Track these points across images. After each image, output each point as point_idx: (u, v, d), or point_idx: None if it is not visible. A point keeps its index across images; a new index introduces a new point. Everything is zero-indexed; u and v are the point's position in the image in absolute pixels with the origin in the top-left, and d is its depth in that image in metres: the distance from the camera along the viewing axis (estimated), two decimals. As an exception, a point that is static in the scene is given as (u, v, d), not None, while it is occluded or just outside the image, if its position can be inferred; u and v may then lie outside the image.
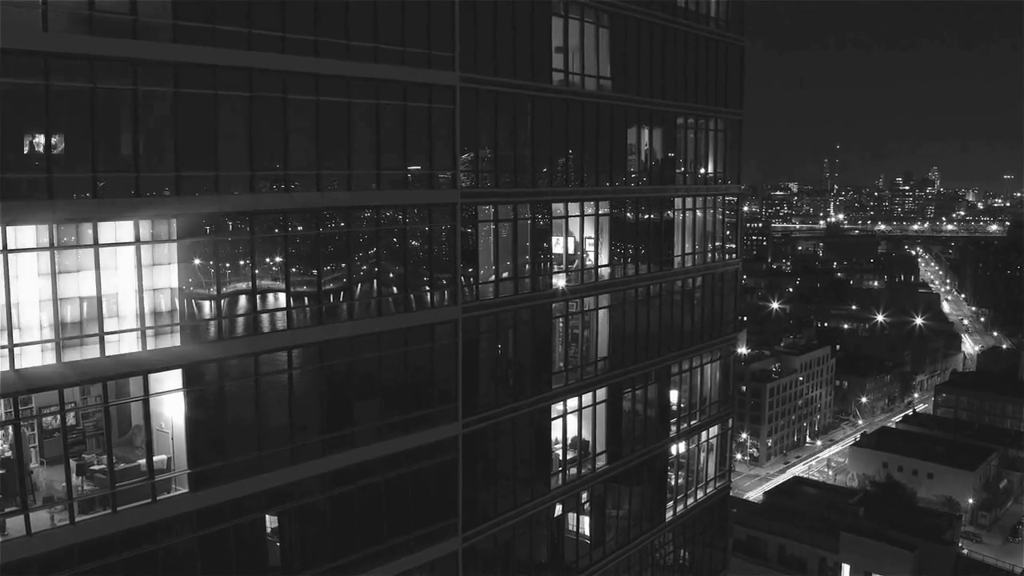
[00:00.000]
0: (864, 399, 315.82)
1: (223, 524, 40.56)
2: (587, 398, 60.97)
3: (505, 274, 54.11)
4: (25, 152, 34.25)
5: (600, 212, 61.01)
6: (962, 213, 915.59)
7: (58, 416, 36.21)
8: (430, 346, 49.40)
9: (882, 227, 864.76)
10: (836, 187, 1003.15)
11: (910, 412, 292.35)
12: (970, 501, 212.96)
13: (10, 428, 35.46)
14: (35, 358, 34.54)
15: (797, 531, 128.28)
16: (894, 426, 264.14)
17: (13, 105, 33.47)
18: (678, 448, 71.54)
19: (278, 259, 42.44)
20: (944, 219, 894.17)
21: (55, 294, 34.69)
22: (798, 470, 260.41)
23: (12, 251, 33.58)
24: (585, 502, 62.06)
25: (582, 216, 59.60)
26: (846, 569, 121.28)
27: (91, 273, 35.69)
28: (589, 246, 60.68)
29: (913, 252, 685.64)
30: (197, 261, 39.16)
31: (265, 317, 41.76)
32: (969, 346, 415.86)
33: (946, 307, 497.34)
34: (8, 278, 33.28)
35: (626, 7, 61.26)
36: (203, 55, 38.20)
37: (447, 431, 50.31)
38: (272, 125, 41.39)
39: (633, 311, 64.47)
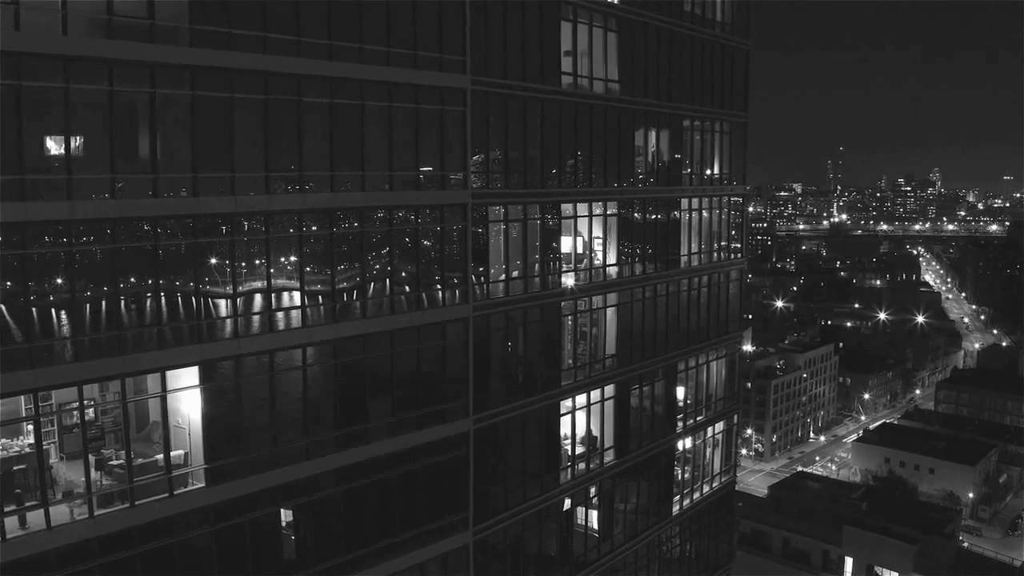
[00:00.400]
0: (867, 395, 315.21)
1: (239, 518, 40.53)
2: (595, 394, 60.93)
3: (515, 273, 54.01)
4: (45, 154, 34.21)
5: (608, 212, 60.89)
6: (962, 213, 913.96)
7: (77, 412, 36.16)
8: (442, 344, 49.33)
9: (884, 227, 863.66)
10: (839, 188, 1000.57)
11: (912, 408, 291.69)
12: (970, 495, 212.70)
13: (31, 424, 35.46)
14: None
15: (801, 525, 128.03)
16: (896, 422, 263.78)
17: (33, 108, 33.49)
18: (684, 443, 71.44)
19: (293, 258, 42.38)
20: (945, 219, 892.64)
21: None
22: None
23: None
24: (593, 496, 61.94)
25: (590, 216, 59.55)
26: (849, 562, 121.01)
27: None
28: (597, 246, 60.60)
29: (915, 252, 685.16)
30: (213, 260, 39.15)
31: (280, 315, 41.71)
32: (969, 343, 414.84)
33: (947, 305, 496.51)
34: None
35: (634, 12, 61.15)
36: (219, 59, 38.18)
37: (458, 427, 50.25)
38: (287, 127, 41.35)
39: (640, 309, 64.34)
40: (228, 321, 39.68)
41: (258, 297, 40.84)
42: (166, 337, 37.56)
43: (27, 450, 36.43)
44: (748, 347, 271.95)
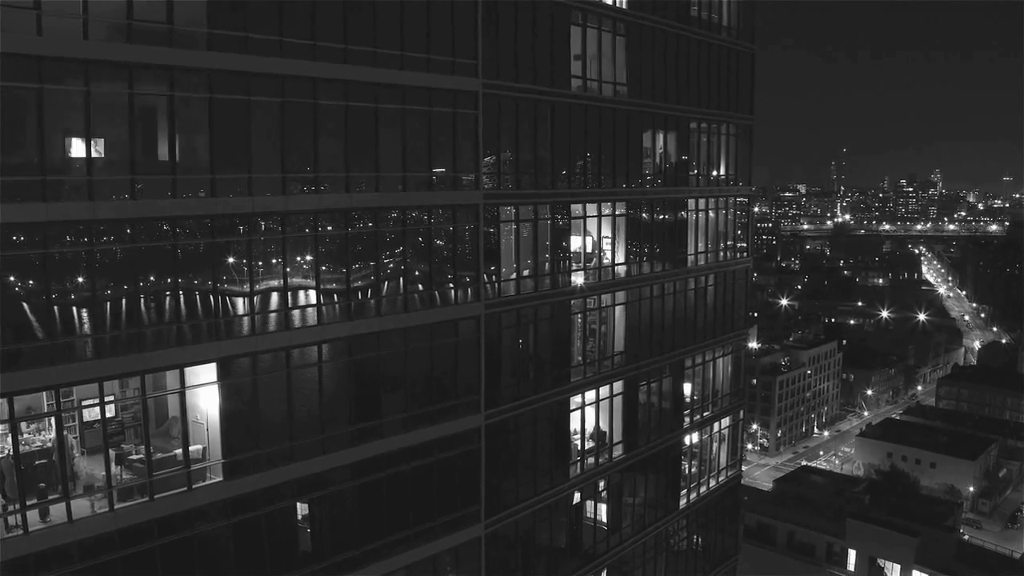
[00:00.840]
0: (869, 391, 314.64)
1: (256, 511, 40.53)
2: (604, 391, 60.86)
3: (526, 272, 53.92)
4: (66, 155, 34.18)
5: (617, 212, 60.84)
6: (963, 214, 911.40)
7: (98, 408, 36.13)
8: (454, 341, 49.24)
9: (887, 227, 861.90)
10: (843, 189, 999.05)
11: (913, 404, 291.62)
12: (971, 489, 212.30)
13: (52, 419, 35.45)
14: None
15: (806, 518, 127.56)
16: (898, 417, 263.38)
17: (55, 110, 33.48)
18: (691, 438, 71.33)
19: (308, 257, 42.34)
20: (946, 219, 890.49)
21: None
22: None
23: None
24: (602, 490, 61.90)
25: (599, 216, 59.44)
26: (852, 554, 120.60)
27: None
28: (606, 245, 60.51)
29: (916, 251, 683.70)
30: (231, 259, 39.11)
31: (296, 313, 41.66)
32: (970, 341, 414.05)
33: (948, 304, 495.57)
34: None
35: (641, 17, 61.06)
36: (237, 62, 38.15)
37: (470, 422, 50.17)
38: (303, 129, 41.26)
39: (648, 307, 64.24)
40: (245, 319, 39.65)
41: (274, 295, 40.79)
42: (185, 334, 37.55)
43: (49, 445, 36.52)
44: (754, 344, 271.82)
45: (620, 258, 61.63)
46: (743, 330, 78.10)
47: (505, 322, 52.33)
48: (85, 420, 38.83)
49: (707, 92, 69.47)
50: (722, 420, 75.08)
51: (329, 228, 42.90)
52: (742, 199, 75.93)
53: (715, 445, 74.83)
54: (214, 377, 38.93)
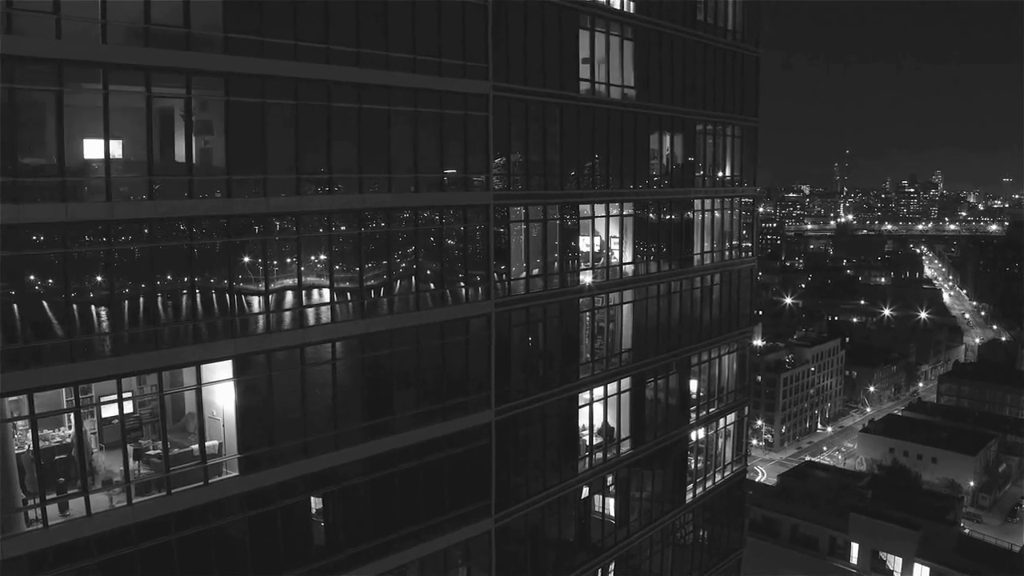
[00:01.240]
0: (872, 388, 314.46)
1: (271, 506, 40.45)
2: (612, 387, 60.74)
3: (535, 271, 53.83)
4: (85, 157, 34.16)
5: (624, 213, 60.70)
6: (964, 214, 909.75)
7: (116, 404, 36.07)
8: (465, 338, 49.15)
9: (889, 227, 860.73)
10: (846, 189, 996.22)
11: (915, 400, 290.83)
12: (971, 484, 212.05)
13: (71, 415, 35.45)
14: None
15: (809, 512, 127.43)
16: (900, 413, 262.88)
17: (74, 112, 33.45)
18: (697, 434, 71.21)
19: (322, 257, 42.28)
20: (947, 219, 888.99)
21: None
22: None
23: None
24: (610, 485, 61.80)
25: (607, 216, 59.34)
26: (855, 548, 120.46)
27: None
28: (614, 245, 60.39)
29: (918, 250, 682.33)
30: (246, 259, 39.07)
31: (310, 311, 41.60)
32: (970, 338, 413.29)
33: (949, 302, 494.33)
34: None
35: (649, 21, 60.95)
36: (252, 65, 38.09)
37: (481, 418, 50.10)
38: (317, 131, 41.18)
39: (655, 306, 64.15)
40: (260, 317, 39.60)
41: (289, 294, 40.73)
42: (201, 332, 37.51)
43: (68, 440, 36.49)
44: (758, 342, 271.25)
45: (628, 257, 61.49)
46: (748, 328, 77.93)
47: (515, 320, 52.23)
48: (104, 416, 38.90)
49: (713, 95, 69.35)
50: (727, 416, 74.93)
51: (343, 228, 42.81)
52: (747, 200, 75.76)
53: (721, 441, 74.70)
54: (230, 374, 38.86)
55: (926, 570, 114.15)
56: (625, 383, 61.91)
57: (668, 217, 65.70)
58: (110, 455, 38.09)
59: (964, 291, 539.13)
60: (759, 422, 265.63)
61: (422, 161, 46.11)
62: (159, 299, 36.20)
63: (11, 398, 33.13)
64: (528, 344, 54.34)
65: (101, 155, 34.08)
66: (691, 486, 70.78)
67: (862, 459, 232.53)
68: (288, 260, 40.77)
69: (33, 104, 32.77)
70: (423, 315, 46.47)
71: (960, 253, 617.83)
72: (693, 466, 71.20)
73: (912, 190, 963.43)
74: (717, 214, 71.39)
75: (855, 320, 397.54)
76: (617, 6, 58.83)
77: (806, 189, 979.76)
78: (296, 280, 40.97)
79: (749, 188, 75.61)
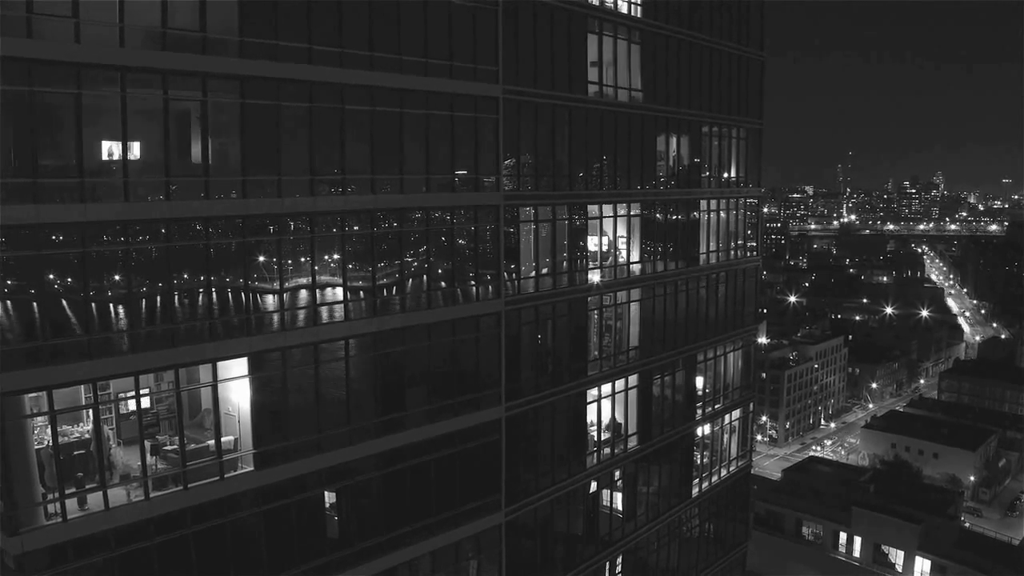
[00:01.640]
0: (874, 385, 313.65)
1: (285, 500, 40.44)
2: (620, 384, 60.64)
3: (544, 270, 53.77)
4: (103, 158, 34.09)
5: (632, 213, 60.60)
6: (964, 214, 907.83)
7: (134, 400, 36.02)
8: (475, 336, 49.06)
9: (891, 227, 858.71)
10: (848, 190, 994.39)
11: (916, 397, 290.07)
12: (971, 478, 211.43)
13: (90, 411, 35.39)
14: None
15: (813, 506, 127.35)
16: (902, 410, 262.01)
17: (92, 115, 33.39)
18: (703, 430, 71.10)
19: (336, 256, 42.20)
20: (948, 219, 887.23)
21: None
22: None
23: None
24: (618, 479, 61.69)
25: (615, 216, 59.25)
26: (858, 541, 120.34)
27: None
28: (622, 244, 60.30)
29: (919, 250, 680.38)
30: (261, 258, 39.01)
31: (324, 309, 41.53)
32: (971, 336, 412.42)
33: (949, 300, 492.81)
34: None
35: (656, 25, 60.79)
36: (267, 69, 38.01)
37: (491, 414, 50.01)
38: (330, 133, 41.10)
39: (662, 304, 64.01)
40: (275, 315, 39.56)
41: (303, 292, 40.68)
42: (217, 330, 37.44)
43: (86, 436, 36.44)
44: (763, 339, 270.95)
45: (635, 257, 61.37)
46: (753, 326, 77.75)
47: (525, 318, 52.12)
48: (122, 412, 38.88)
49: (718, 97, 69.18)
50: (733, 412, 74.81)
51: (356, 228, 42.73)
52: (752, 200, 75.58)
53: (726, 436, 74.56)
54: (245, 371, 38.79)
55: (927, 563, 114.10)
56: (632, 380, 61.81)
57: (675, 217, 65.56)
58: (128, 450, 37.98)
59: (964, 290, 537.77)
60: (764, 418, 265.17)
61: (433, 162, 46.03)
62: (176, 297, 36.15)
63: (31, 394, 33.07)
64: (537, 342, 54.21)
65: (119, 156, 34.04)
66: (697, 481, 70.66)
67: (864, 454, 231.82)
68: (302, 259, 40.70)
69: (52, 106, 32.69)
70: (435, 313, 46.38)
71: (960, 253, 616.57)
72: (699, 461, 71.08)
73: (913, 191, 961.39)
74: (723, 214, 71.23)
75: (858, 318, 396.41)
76: (625, 11, 58.71)
77: (809, 190, 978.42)
78: (310, 279, 40.92)
79: (754, 189, 75.43)
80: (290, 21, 39.00)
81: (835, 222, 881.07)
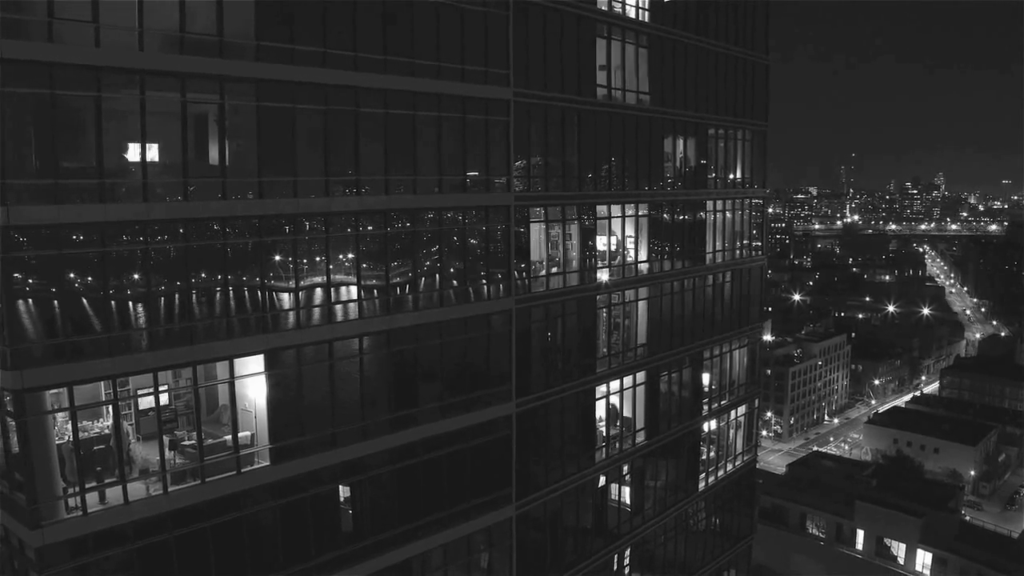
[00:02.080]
0: (876, 381, 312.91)
1: (301, 494, 40.38)
2: (628, 380, 60.50)
3: (554, 269, 53.69)
4: (123, 159, 34.06)
5: (639, 213, 60.42)
6: (965, 214, 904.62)
7: (153, 397, 36.04)
8: (487, 334, 48.95)
9: (893, 227, 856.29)
10: (851, 191, 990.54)
11: (918, 393, 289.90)
12: (972, 473, 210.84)
13: (110, 407, 35.36)
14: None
15: (817, 500, 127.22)
16: (903, 406, 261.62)
17: (112, 117, 33.35)
18: (710, 425, 70.92)
19: (350, 255, 42.13)
20: (948, 220, 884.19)
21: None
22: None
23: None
24: (626, 474, 61.54)
25: (623, 217, 59.05)
26: (860, 534, 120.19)
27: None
28: (630, 244, 60.12)
29: (920, 249, 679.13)
30: (277, 257, 38.95)
31: (339, 308, 41.44)
32: (971, 334, 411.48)
33: (950, 299, 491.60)
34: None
35: (663, 29, 60.65)
36: (283, 72, 37.94)
37: (502, 410, 49.89)
38: (345, 135, 41.00)
39: (669, 302, 63.86)
40: (291, 313, 39.48)
41: (318, 291, 40.62)
42: (234, 328, 37.36)
43: (106, 432, 36.42)
44: (768, 337, 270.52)
45: (643, 256, 61.17)
46: (758, 324, 77.51)
47: (535, 316, 52.01)
48: (141, 408, 38.94)
49: (724, 100, 68.98)
50: (738, 408, 74.62)
51: (369, 228, 42.64)
52: (757, 201, 75.37)
53: (732, 431, 74.39)
54: (262, 368, 38.72)
55: (929, 555, 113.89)
56: (640, 376, 61.68)
57: (681, 217, 65.38)
58: (147, 445, 38.04)
59: (965, 288, 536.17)
60: (768, 414, 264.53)
61: (446, 164, 45.92)
62: (193, 296, 36.09)
63: (52, 391, 33.04)
64: (547, 339, 54.10)
65: (138, 158, 34.03)
66: (703, 475, 70.51)
67: (867, 449, 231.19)
68: (317, 259, 40.66)
69: (73, 109, 32.66)
70: (447, 311, 46.27)
71: (961, 252, 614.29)
72: (705, 456, 70.92)
73: (915, 191, 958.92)
74: (728, 215, 71.05)
75: (860, 316, 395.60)
76: (633, 15, 58.55)
77: (813, 191, 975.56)
78: (325, 278, 40.86)
79: (759, 190, 75.23)
80: (305, 25, 38.93)
81: (838, 222, 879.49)
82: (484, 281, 48.71)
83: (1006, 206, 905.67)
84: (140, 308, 34.69)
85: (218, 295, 36.99)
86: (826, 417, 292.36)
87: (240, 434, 38.60)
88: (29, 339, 31.95)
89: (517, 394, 50.82)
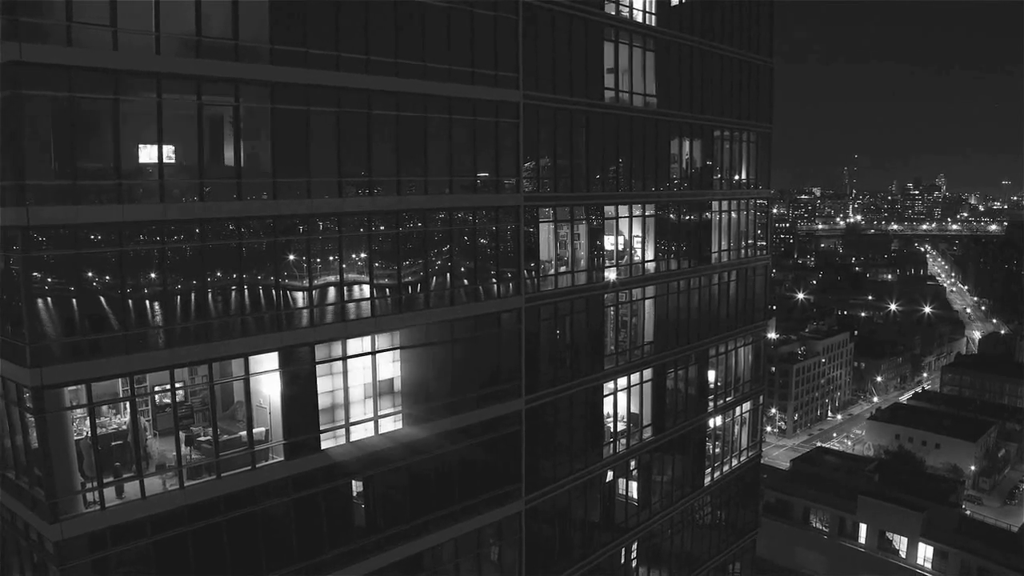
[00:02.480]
0: (879, 378, 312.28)
1: (314, 488, 40.31)
2: (635, 377, 60.42)
3: (563, 268, 53.53)
4: (140, 161, 34.01)
5: (646, 214, 60.30)
6: (965, 215, 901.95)
7: (169, 393, 36.01)
8: (497, 331, 48.87)
9: (895, 227, 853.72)
10: (854, 191, 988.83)
11: (919, 390, 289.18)
12: (972, 468, 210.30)
13: (127, 404, 35.31)
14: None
15: (820, 494, 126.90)
16: (905, 402, 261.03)
17: (130, 119, 33.34)
18: (715, 421, 70.83)
19: (363, 255, 42.06)
20: (949, 220, 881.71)
21: (166, 286, 34.61)
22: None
23: (129, 248, 33.38)
24: (633, 469, 61.49)
25: (631, 217, 58.99)
26: (863, 528, 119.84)
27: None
28: (637, 243, 60.04)
29: (922, 249, 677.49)
30: (291, 257, 38.89)
31: (351, 306, 41.37)
32: (971, 332, 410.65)
33: (951, 297, 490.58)
34: (125, 272, 33.09)
35: (669, 33, 60.51)
36: (297, 75, 37.88)
37: (512, 406, 49.80)
38: (357, 137, 40.91)
39: (675, 301, 63.73)
40: (304, 311, 39.38)
41: (331, 290, 40.54)
42: (249, 326, 37.30)
43: (124, 427, 36.36)
44: (772, 335, 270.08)
45: (649, 255, 61.02)
46: (762, 322, 77.34)
47: (544, 314, 51.92)
48: (157, 404, 38.83)
49: (729, 103, 68.83)
50: (743, 404, 74.48)
51: (382, 228, 42.54)
52: (762, 201, 75.19)
53: (737, 428, 74.27)
54: (276, 365, 38.68)
55: (930, 549, 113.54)
56: (647, 373, 61.60)
57: (687, 218, 65.29)
58: (163, 441, 37.95)
59: (965, 287, 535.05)
60: (773, 410, 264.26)
61: (456, 165, 45.81)
62: (209, 295, 36.04)
63: (70, 387, 33.01)
64: (556, 337, 53.99)
65: (155, 159, 33.97)
66: (709, 470, 70.35)
67: (870, 445, 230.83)
68: (330, 258, 40.59)
69: (91, 112, 32.64)
70: (457, 310, 46.18)
71: (962, 252, 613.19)
72: (711, 451, 70.83)
73: (916, 192, 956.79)
74: (734, 215, 70.89)
75: (863, 314, 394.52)
76: (640, 20, 58.43)
77: (817, 191, 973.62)
78: (338, 277, 40.80)
79: (764, 190, 75.05)
80: (319, 29, 38.84)
81: (841, 222, 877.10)
82: (494, 280, 48.61)
83: (1006, 206, 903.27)
84: (157, 306, 34.65)
85: (233, 294, 36.93)
86: (829, 413, 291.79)
87: (255, 430, 38.51)
88: (48, 337, 31.92)
89: (526, 391, 50.74)
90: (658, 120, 60.38)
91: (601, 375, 57.02)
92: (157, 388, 37.14)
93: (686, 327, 65.27)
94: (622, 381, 59.36)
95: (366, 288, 42.04)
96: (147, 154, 33.97)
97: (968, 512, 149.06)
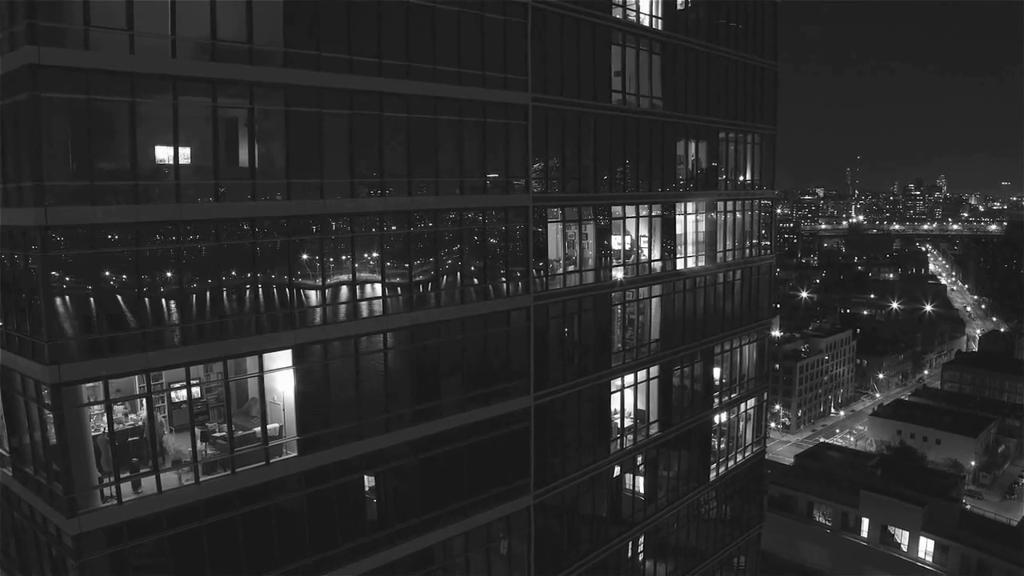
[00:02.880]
0: (881, 375, 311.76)
1: (327, 483, 40.28)
2: (642, 374, 60.33)
3: (571, 267, 53.47)
4: (156, 162, 33.97)
5: (653, 214, 60.16)
6: (965, 215, 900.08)
7: (185, 390, 35.97)
8: (506, 329, 48.75)
9: (896, 227, 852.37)
10: (857, 192, 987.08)
11: (921, 387, 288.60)
12: (972, 463, 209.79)
13: (144, 400, 35.26)
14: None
15: (823, 489, 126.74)
16: (907, 399, 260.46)
17: (146, 121, 33.30)
18: (720, 418, 70.65)
19: (375, 254, 42.00)
20: (950, 220, 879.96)
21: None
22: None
23: (145, 248, 33.32)
24: (640, 464, 61.29)
25: (637, 217, 58.84)
26: (865, 522, 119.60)
27: (213, 267, 35.41)
28: (643, 243, 59.89)
29: (923, 248, 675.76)
30: (304, 256, 38.83)
31: (364, 304, 41.32)
32: (972, 330, 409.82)
33: (952, 296, 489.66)
34: (142, 271, 32.99)
35: (675, 37, 60.33)
36: (310, 78, 37.84)
37: (521, 403, 49.70)
38: (369, 138, 40.88)
39: (681, 299, 63.59)
40: (317, 310, 39.36)
41: (344, 288, 40.51)
42: (263, 324, 37.26)
43: (141, 423, 36.32)
44: (776, 333, 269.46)
45: (656, 255, 60.94)
46: (767, 320, 77.14)
47: (552, 312, 51.81)
48: (173, 401, 38.88)
49: (734, 105, 68.62)
50: (748, 401, 74.29)
51: (393, 227, 42.46)
52: (766, 202, 75.01)
53: (742, 424, 74.10)
54: (290, 362, 38.69)
55: (931, 543, 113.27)
56: (654, 371, 61.50)
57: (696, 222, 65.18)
58: (179, 437, 37.90)
59: (966, 286, 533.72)
60: (777, 406, 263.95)
61: (466, 166, 45.71)
62: (224, 293, 36.04)
63: (88, 384, 32.99)
64: (564, 335, 53.86)
65: (171, 160, 33.95)
66: (714, 465, 70.22)
67: (872, 441, 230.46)
68: (343, 257, 40.54)
69: (108, 114, 32.61)
70: (467, 308, 46.10)
71: (962, 251, 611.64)
72: (716, 447, 70.70)
73: (918, 193, 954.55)
74: (738, 215, 70.73)
75: (865, 313, 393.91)
76: (646, 23, 58.28)
77: (820, 192, 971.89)
78: (350, 276, 40.78)
79: (768, 191, 74.87)
80: (331, 33, 38.79)
81: (844, 222, 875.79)
82: (503, 279, 48.52)
83: (1005, 207, 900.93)
84: (173, 305, 34.64)
85: (248, 292, 36.90)
86: (832, 410, 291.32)
87: (269, 426, 38.44)
88: (66, 335, 31.94)
89: (535, 387, 50.65)
90: (664, 122, 60.23)
91: (608, 372, 56.90)
92: (173, 385, 37.09)
93: (692, 325, 65.15)
94: (629, 378, 59.17)
95: (378, 287, 41.99)
96: (163, 155, 33.96)
97: (968, 507, 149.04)
